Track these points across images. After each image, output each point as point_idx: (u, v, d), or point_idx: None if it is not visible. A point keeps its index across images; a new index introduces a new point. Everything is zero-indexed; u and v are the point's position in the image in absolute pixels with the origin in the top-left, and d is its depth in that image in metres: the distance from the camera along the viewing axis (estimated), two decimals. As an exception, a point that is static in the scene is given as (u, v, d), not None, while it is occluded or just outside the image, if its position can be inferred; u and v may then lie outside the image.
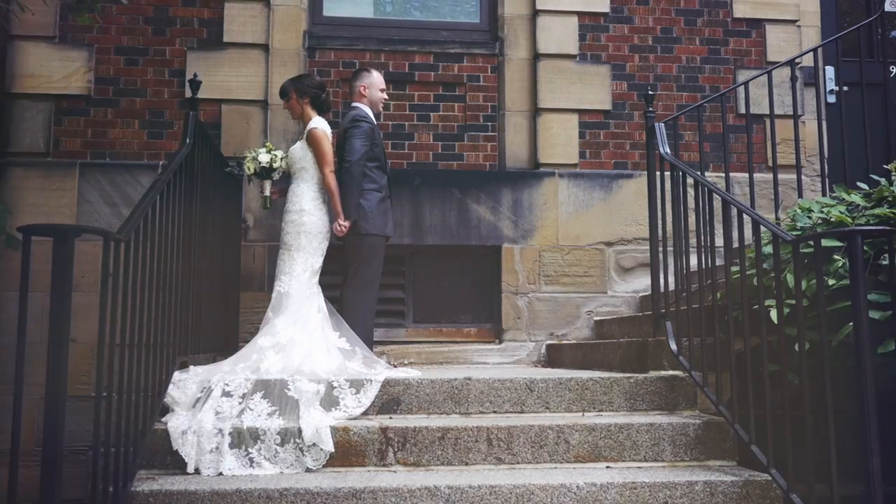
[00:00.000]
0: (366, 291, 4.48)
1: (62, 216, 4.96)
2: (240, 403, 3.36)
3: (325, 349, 3.99)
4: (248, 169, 4.55)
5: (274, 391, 3.41)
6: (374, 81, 4.72)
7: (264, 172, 4.54)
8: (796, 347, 2.93)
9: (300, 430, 3.18)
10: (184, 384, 3.45)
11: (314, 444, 3.15)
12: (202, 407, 3.32)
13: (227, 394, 3.40)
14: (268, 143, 4.72)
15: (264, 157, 4.51)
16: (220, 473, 3.06)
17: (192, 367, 3.69)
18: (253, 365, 3.77)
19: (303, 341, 3.99)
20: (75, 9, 4.35)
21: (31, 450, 4.33)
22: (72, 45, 5.22)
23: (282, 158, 4.54)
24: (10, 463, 2.19)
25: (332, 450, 3.16)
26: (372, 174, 4.52)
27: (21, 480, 2.20)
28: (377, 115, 4.78)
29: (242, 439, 3.15)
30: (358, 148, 4.44)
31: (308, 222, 4.37)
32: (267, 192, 4.61)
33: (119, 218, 4.75)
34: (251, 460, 3.12)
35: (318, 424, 3.20)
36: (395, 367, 4.15)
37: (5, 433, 4.39)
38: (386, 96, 4.81)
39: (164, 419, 3.28)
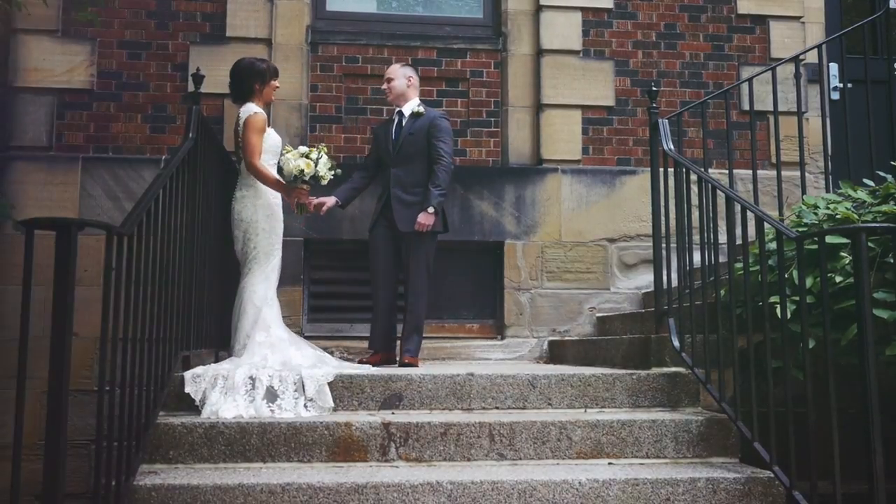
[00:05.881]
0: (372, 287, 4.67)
1: (65, 210, 4.95)
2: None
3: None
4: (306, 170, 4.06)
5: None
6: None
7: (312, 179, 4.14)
8: (801, 344, 2.92)
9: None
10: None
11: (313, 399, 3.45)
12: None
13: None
14: (321, 147, 4.25)
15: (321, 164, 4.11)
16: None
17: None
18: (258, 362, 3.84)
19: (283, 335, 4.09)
20: (77, 3, 4.32)
21: (33, 443, 4.34)
22: (74, 39, 5.20)
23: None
24: (12, 457, 2.19)
25: (332, 405, 3.45)
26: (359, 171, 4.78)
27: (24, 474, 2.19)
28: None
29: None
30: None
31: (280, 214, 4.27)
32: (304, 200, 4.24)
33: (122, 212, 4.74)
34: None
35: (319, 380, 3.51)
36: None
37: (7, 427, 4.40)
38: (385, 86, 4.74)
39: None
